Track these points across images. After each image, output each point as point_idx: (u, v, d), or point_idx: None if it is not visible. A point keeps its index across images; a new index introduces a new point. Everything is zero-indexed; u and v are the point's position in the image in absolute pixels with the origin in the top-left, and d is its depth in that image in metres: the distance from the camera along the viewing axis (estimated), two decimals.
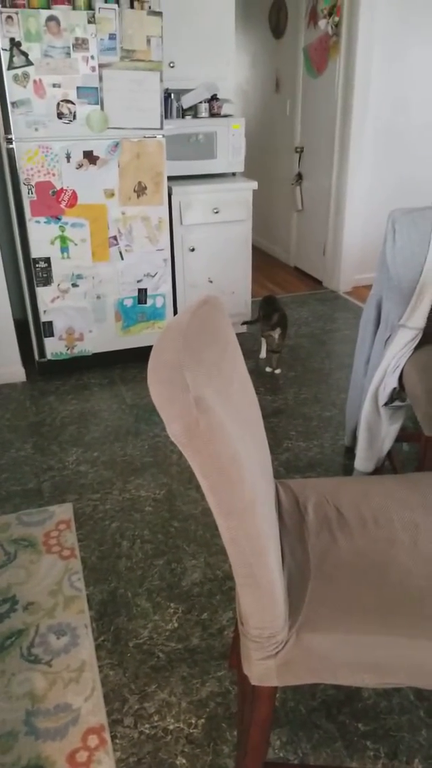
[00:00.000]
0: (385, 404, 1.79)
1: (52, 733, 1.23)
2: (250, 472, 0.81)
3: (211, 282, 3.02)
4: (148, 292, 2.78)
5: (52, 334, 2.69)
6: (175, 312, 2.96)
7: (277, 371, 2.82)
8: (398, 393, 1.77)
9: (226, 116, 2.95)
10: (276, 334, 2.73)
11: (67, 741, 1.21)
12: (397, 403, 1.80)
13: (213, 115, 2.92)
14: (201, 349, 0.86)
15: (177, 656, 1.42)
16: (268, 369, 2.83)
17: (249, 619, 0.89)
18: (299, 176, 4.08)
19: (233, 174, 3.05)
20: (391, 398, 1.77)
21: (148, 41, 2.33)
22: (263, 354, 2.96)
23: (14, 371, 2.73)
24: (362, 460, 1.92)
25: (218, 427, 0.74)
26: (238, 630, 1.24)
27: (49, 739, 1.21)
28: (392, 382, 1.74)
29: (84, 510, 1.91)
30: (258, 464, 0.95)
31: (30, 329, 2.70)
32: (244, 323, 3.09)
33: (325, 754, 1.22)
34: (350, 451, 2.16)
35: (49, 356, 2.73)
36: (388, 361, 1.73)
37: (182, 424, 0.73)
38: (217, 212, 2.87)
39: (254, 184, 2.93)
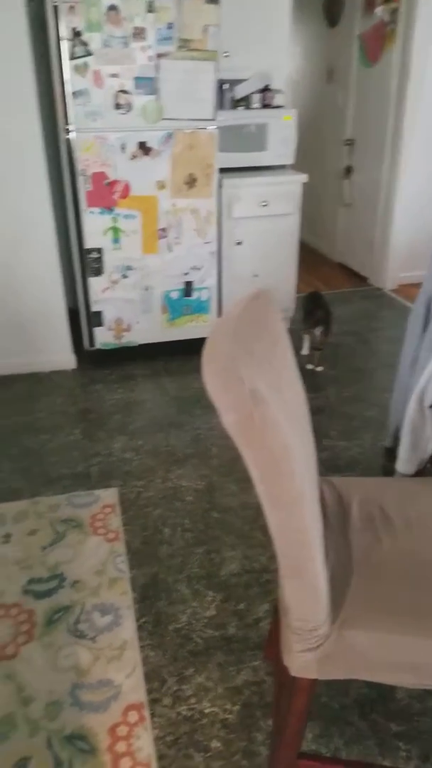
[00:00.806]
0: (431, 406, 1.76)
1: (95, 706, 1.28)
2: (299, 466, 0.82)
3: (256, 276, 3.02)
4: (194, 285, 2.80)
5: (101, 324, 2.75)
6: (220, 305, 2.98)
7: (319, 369, 2.80)
8: None
9: (277, 107, 2.93)
10: (318, 331, 2.70)
11: (108, 715, 1.27)
12: None
13: (265, 106, 2.90)
14: (252, 343, 0.88)
15: (214, 643, 1.45)
16: (309, 366, 2.82)
17: (291, 610, 0.91)
18: (348, 169, 4.01)
19: (283, 166, 3.03)
20: None
21: (205, 30, 2.32)
22: (305, 351, 2.95)
23: (66, 359, 2.82)
24: (404, 462, 1.89)
25: (272, 419, 0.76)
26: (275, 622, 1.26)
27: (92, 712, 1.27)
28: None
29: (128, 496, 1.97)
30: (305, 459, 0.96)
31: (81, 318, 2.78)
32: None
33: (357, 750, 1.22)
34: (390, 452, 2.13)
35: (98, 345, 2.80)
36: None
37: (237, 416, 0.75)
38: (265, 205, 2.86)
39: (304, 177, 2.90)
